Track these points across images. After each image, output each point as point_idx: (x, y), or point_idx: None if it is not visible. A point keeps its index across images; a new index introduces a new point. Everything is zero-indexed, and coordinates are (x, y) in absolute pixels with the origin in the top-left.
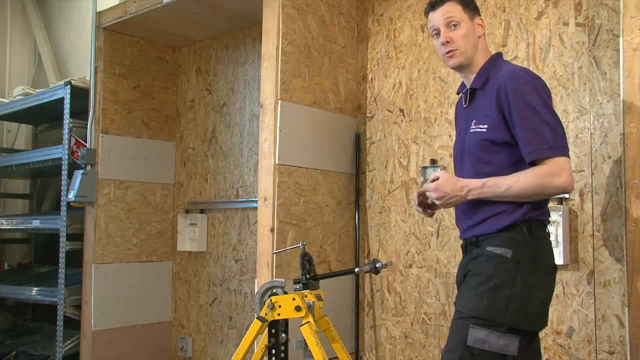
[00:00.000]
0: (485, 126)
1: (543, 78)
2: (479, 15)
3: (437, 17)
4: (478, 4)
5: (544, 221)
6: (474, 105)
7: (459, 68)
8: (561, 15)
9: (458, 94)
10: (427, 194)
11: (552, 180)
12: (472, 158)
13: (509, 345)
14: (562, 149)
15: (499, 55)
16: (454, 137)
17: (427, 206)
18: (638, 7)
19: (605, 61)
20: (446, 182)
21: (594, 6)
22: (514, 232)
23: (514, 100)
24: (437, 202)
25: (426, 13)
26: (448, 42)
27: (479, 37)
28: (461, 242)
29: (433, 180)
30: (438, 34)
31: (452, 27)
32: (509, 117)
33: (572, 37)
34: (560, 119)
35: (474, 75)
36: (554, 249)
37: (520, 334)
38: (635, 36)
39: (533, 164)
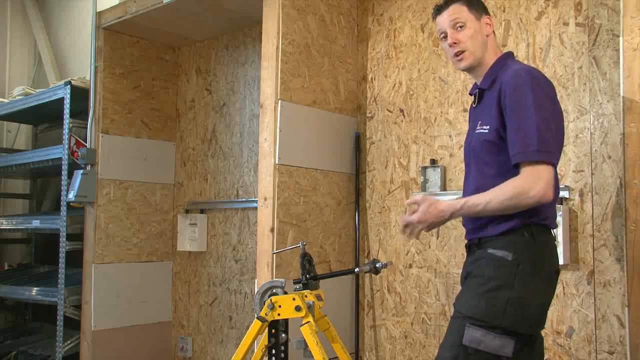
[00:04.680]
0: (488, 127)
1: None
2: (487, 14)
3: (444, 19)
4: None
5: (549, 225)
6: (482, 105)
7: (470, 69)
8: (561, 15)
9: (471, 94)
10: (412, 226)
11: (527, 192)
12: (476, 159)
13: (504, 347)
14: (545, 154)
15: (508, 55)
16: (454, 137)
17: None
18: (638, 7)
19: (605, 61)
20: (427, 211)
21: (594, 6)
22: (515, 235)
23: (509, 101)
24: (425, 230)
25: (433, 17)
26: (455, 43)
27: (487, 36)
28: (465, 242)
29: (412, 204)
30: (446, 36)
31: (459, 28)
32: (505, 117)
33: (572, 37)
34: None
35: (483, 76)
36: None
37: (517, 336)
38: (635, 36)
39: (518, 167)
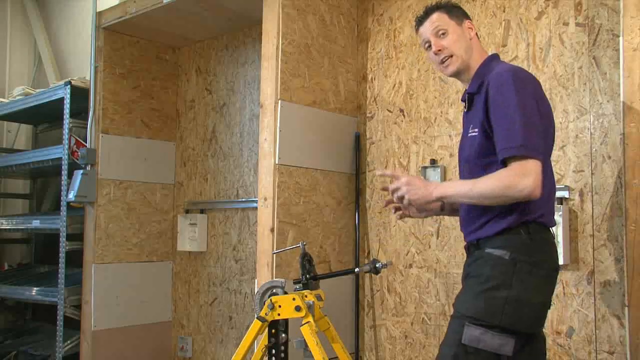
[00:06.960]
0: (477, 130)
1: (543, 78)
2: (468, 19)
3: (426, 29)
4: (478, 4)
5: (546, 223)
6: (472, 109)
7: (457, 74)
8: (561, 15)
9: (462, 101)
10: (399, 190)
11: (517, 182)
12: (468, 162)
13: (504, 345)
14: (531, 150)
15: (494, 57)
16: (454, 137)
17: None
18: (638, 7)
19: (605, 61)
20: (415, 177)
21: (594, 6)
22: (512, 234)
23: (493, 101)
24: (407, 196)
25: (416, 29)
26: (440, 50)
27: (470, 39)
28: (465, 243)
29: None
30: (430, 45)
31: (442, 35)
32: (491, 118)
33: (572, 37)
34: (560, 119)
35: (471, 80)
36: None
37: (516, 335)
38: (635, 36)
39: (505, 164)
